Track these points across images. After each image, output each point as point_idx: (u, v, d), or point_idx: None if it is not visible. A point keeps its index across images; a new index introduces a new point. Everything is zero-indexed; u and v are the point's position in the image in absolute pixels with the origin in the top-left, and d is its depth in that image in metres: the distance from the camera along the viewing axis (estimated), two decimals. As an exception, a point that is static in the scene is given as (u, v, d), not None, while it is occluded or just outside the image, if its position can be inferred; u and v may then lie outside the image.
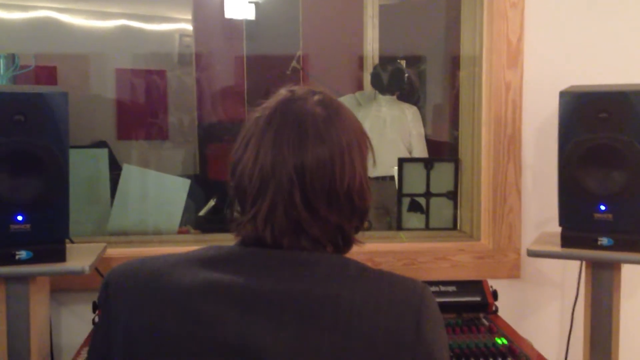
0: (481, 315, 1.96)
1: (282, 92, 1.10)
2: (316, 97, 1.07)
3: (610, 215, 1.80)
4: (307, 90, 1.09)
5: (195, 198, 3.34)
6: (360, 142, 1.08)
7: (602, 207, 1.81)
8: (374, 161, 1.14)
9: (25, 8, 4.18)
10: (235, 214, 1.07)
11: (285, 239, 1.01)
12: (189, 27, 4.77)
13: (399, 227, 2.65)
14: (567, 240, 1.87)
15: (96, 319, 1.76)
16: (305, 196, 1.00)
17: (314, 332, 0.94)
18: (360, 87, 4.73)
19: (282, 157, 1.00)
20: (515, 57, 2.20)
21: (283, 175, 0.99)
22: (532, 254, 1.91)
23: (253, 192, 1.02)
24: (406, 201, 2.61)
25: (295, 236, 1.01)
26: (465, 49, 2.43)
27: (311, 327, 0.94)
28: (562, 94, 1.85)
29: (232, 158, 1.07)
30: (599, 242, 1.82)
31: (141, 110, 4.62)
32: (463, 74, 2.46)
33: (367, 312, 0.96)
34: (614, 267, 1.87)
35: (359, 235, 1.12)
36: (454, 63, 2.91)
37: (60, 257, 1.73)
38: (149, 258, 1.06)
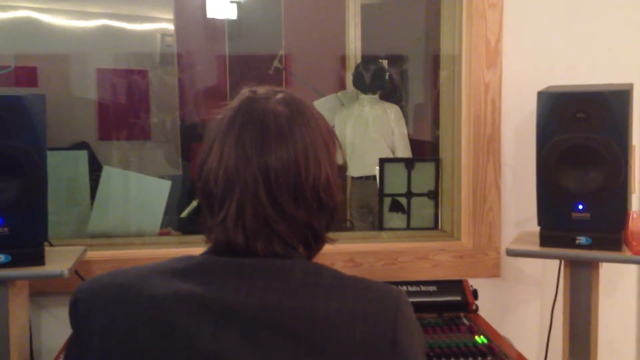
0: (461, 314, 1.97)
1: (244, 92, 1.09)
2: (278, 96, 1.07)
3: (588, 215, 1.82)
4: (269, 89, 1.09)
5: (177, 199, 3.33)
6: (326, 139, 1.07)
7: (580, 206, 1.82)
8: (343, 159, 1.14)
9: (4, 8, 4.14)
10: (205, 216, 1.06)
11: (258, 243, 1.00)
12: (170, 26, 4.74)
13: (381, 227, 2.66)
14: (546, 239, 1.89)
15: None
16: (271, 193, 0.99)
17: (288, 346, 0.93)
18: (342, 86, 4.74)
19: (246, 157, 0.99)
20: (494, 58, 2.21)
21: (248, 175, 0.99)
22: (511, 253, 1.92)
23: (219, 194, 1.01)
24: (387, 201, 2.62)
25: (267, 240, 1.00)
26: (445, 49, 2.44)
27: (286, 340, 0.93)
28: (540, 94, 1.86)
29: (198, 160, 1.06)
30: (577, 241, 1.84)
31: (123, 110, 4.59)
32: (443, 73, 2.47)
33: (342, 323, 0.95)
34: (592, 265, 1.89)
35: (334, 233, 1.11)
36: (436, 62, 2.92)
37: (39, 260, 1.72)
38: (118, 271, 1.04)
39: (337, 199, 1.07)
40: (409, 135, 4.29)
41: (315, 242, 1.08)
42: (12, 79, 3.35)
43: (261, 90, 1.08)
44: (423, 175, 2.59)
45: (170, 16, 4.71)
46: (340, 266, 2.19)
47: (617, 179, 1.78)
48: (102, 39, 4.52)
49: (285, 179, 1.00)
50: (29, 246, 1.71)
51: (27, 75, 3.96)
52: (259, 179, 0.99)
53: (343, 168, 1.15)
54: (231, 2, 4.71)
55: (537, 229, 1.91)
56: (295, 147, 1.01)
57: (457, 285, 2.04)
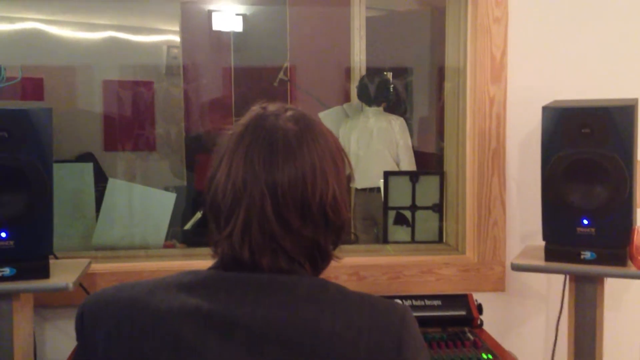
0: (466, 329, 1.96)
1: (255, 109, 1.09)
2: (288, 113, 1.07)
3: (593, 229, 1.82)
4: (280, 106, 1.09)
5: (182, 210, 3.34)
6: (334, 157, 1.07)
7: (585, 221, 1.82)
8: (352, 176, 1.14)
9: (12, 20, 4.17)
10: (212, 231, 1.06)
11: (264, 259, 1.00)
12: (176, 38, 4.77)
13: (385, 240, 2.66)
14: (551, 254, 1.88)
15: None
16: (277, 209, 0.99)
17: None
18: (347, 98, 4.74)
19: (254, 174, 1.00)
20: (499, 72, 2.21)
21: (255, 191, 0.99)
22: (516, 267, 1.92)
23: (226, 209, 1.01)
24: (392, 214, 2.62)
25: (273, 255, 1.00)
26: (450, 62, 2.44)
27: (290, 355, 0.94)
28: (545, 109, 1.86)
29: (208, 175, 1.07)
30: (582, 256, 1.83)
31: (128, 121, 4.61)
32: (448, 86, 2.48)
33: (347, 338, 0.95)
34: (597, 280, 1.88)
35: (341, 250, 1.11)
36: (440, 75, 2.93)
37: (44, 273, 1.72)
38: (124, 285, 1.05)
39: (344, 216, 1.07)
40: (413, 147, 4.29)
41: (322, 259, 1.08)
42: (19, 90, 3.38)
43: (271, 107, 1.09)
44: (428, 189, 2.59)
45: (176, 28, 4.73)
46: (344, 279, 2.18)
47: (622, 194, 1.78)
48: (109, 50, 4.55)
49: (292, 195, 1.00)
50: (34, 259, 1.71)
51: (33, 86, 3.98)
52: (266, 194, 0.99)
53: (349, 180, 1.14)
54: (237, 14, 4.74)
55: (542, 243, 1.91)
56: (303, 163, 1.02)
57: (462, 300, 2.04)
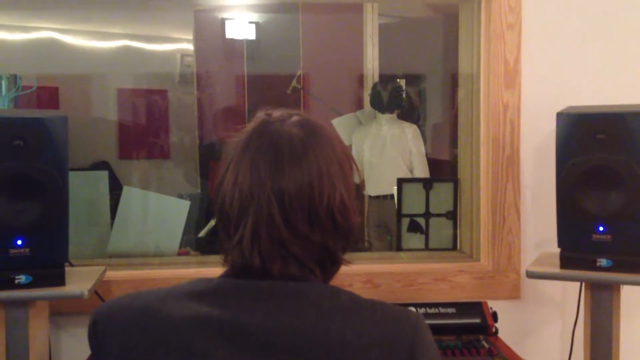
0: (481, 337, 1.95)
1: (259, 115, 1.10)
2: (293, 119, 1.07)
3: (608, 236, 1.80)
4: (285, 112, 1.09)
5: (196, 217, 3.35)
6: (341, 161, 1.07)
7: (601, 228, 1.81)
8: (360, 179, 1.14)
9: (27, 29, 4.21)
10: (222, 238, 1.07)
11: (275, 266, 1.00)
12: (190, 47, 4.80)
13: (399, 248, 2.65)
14: (566, 261, 1.87)
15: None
16: (285, 215, 0.99)
17: None
18: (360, 105, 4.75)
19: (260, 180, 1.00)
20: (512, 78, 2.21)
21: (262, 197, 0.99)
22: (531, 275, 1.91)
23: (234, 216, 1.01)
24: (406, 221, 2.62)
25: (284, 262, 1.00)
26: (463, 68, 2.44)
27: None
28: (559, 115, 1.85)
29: (216, 182, 1.07)
30: (598, 263, 1.82)
31: (142, 129, 4.64)
32: (461, 92, 2.47)
33: (359, 347, 0.95)
34: (613, 288, 1.86)
35: (351, 255, 1.11)
36: (454, 81, 2.92)
37: (60, 281, 1.73)
38: (137, 293, 1.05)
39: (353, 220, 1.07)
40: (427, 154, 4.28)
41: (331, 264, 1.07)
42: (34, 99, 3.41)
43: (276, 113, 1.09)
44: (441, 196, 2.58)
45: (190, 36, 4.76)
46: (358, 287, 2.18)
47: (638, 200, 1.76)
48: (123, 59, 4.58)
49: (299, 201, 1.00)
50: (49, 267, 1.72)
51: (48, 95, 4.02)
52: (273, 201, 0.99)
53: (360, 188, 1.14)
54: (250, 22, 4.76)
55: (557, 250, 1.90)
56: (309, 169, 1.02)
57: (477, 308, 2.03)
